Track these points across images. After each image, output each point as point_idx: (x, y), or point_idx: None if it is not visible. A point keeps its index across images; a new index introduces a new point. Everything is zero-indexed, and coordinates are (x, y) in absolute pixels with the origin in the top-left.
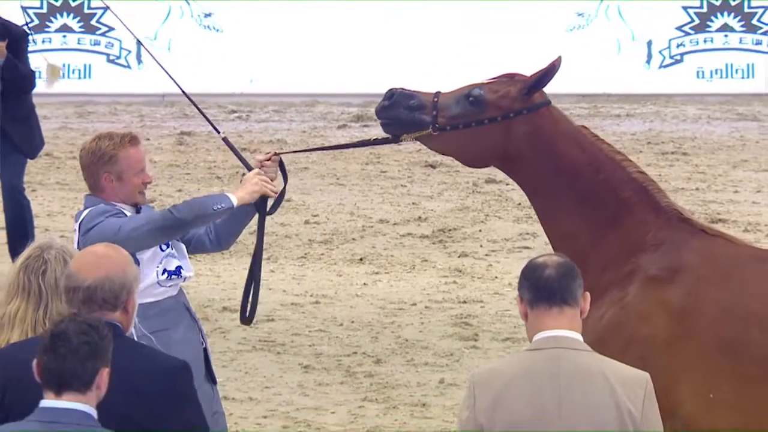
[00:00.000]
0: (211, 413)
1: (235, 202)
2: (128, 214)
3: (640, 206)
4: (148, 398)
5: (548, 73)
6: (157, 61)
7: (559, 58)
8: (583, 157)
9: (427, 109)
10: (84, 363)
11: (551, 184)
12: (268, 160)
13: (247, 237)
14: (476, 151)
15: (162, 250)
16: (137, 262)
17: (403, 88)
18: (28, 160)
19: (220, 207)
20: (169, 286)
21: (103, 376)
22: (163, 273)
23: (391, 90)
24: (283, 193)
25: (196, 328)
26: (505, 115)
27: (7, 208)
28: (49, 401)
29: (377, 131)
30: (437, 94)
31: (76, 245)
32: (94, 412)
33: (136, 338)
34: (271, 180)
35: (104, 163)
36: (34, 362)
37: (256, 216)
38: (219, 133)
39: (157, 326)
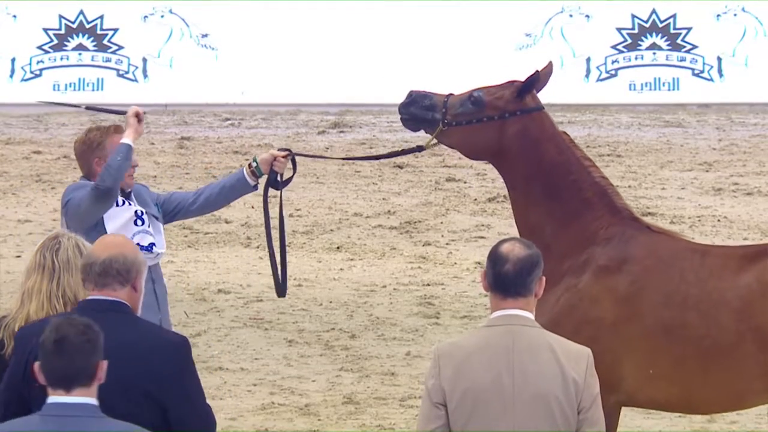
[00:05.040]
0: None
1: (128, 142)
2: (123, 199)
3: (598, 206)
4: (155, 369)
5: (534, 78)
6: None
7: (550, 64)
8: (559, 159)
9: (438, 108)
10: (88, 359)
11: (528, 179)
12: (284, 157)
13: (239, 228)
14: (475, 146)
15: (136, 225)
16: (105, 230)
17: (420, 90)
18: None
19: (122, 155)
20: None
21: (102, 367)
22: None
23: (411, 91)
24: (290, 179)
25: (155, 298)
26: (501, 115)
27: None
28: (57, 397)
29: (353, 137)
30: (449, 95)
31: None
32: (97, 403)
33: None
34: (280, 171)
35: (94, 150)
36: (35, 365)
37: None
38: (80, 107)
39: None
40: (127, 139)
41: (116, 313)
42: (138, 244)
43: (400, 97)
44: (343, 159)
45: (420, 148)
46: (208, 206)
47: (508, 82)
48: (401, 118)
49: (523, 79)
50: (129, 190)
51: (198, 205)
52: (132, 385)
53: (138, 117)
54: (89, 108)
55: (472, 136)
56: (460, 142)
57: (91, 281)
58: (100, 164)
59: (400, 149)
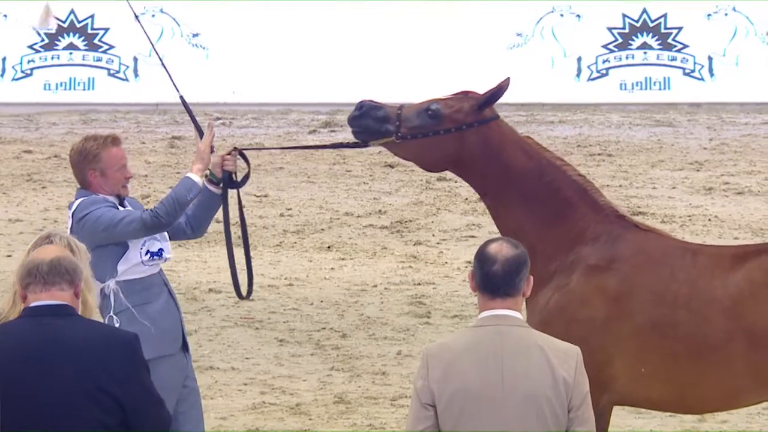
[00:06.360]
0: (182, 384)
1: (199, 182)
2: (120, 207)
3: (580, 204)
4: (111, 366)
5: (497, 92)
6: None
7: (508, 79)
8: (529, 163)
9: (391, 120)
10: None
11: (500, 186)
12: (228, 154)
13: (236, 229)
14: (432, 158)
15: None
16: (126, 244)
17: (371, 101)
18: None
19: (193, 195)
20: (151, 265)
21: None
22: (146, 254)
23: (361, 102)
24: (247, 175)
25: (174, 302)
26: (458, 127)
27: None
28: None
29: (344, 136)
30: (401, 106)
31: (69, 232)
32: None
33: (114, 311)
34: (232, 171)
35: (89, 161)
36: None
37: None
38: (185, 102)
39: (141, 300)
40: (196, 176)
41: (66, 316)
42: (148, 251)
43: (395, 97)
44: (287, 148)
45: (365, 144)
46: (197, 228)
47: (462, 92)
48: (353, 131)
49: (488, 88)
50: (124, 199)
51: (191, 228)
52: (94, 386)
53: (212, 149)
54: (183, 101)
55: (430, 148)
56: (416, 154)
57: (38, 282)
58: (95, 175)
59: (345, 141)
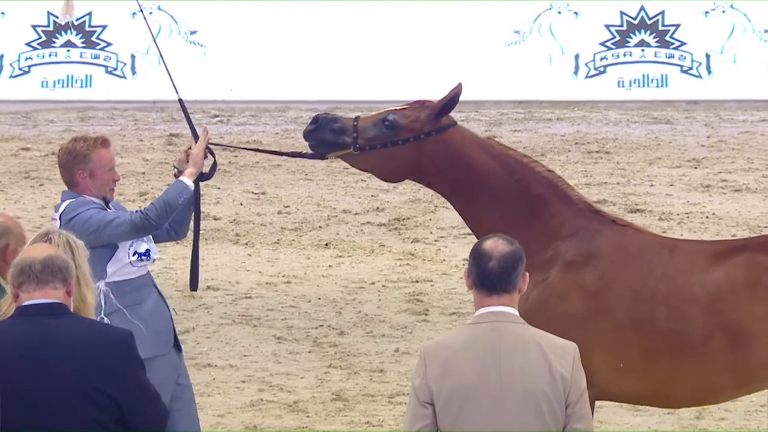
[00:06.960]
0: (175, 381)
1: (191, 186)
2: (108, 208)
3: (553, 200)
4: (106, 364)
5: (452, 99)
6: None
7: (460, 85)
8: (494, 164)
9: (348, 131)
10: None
11: (468, 189)
12: (190, 149)
13: (227, 225)
14: (391, 168)
15: None
16: (115, 245)
17: (326, 114)
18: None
19: (184, 199)
20: (140, 267)
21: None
22: (134, 254)
23: (316, 116)
24: (215, 165)
25: (164, 303)
26: (416, 136)
27: None
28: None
29: None
30: (357, 118)
31: None
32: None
33: (105, 312)
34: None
35: (79, 162)
36: None
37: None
38: (180, 98)
39: (131, 301)
40: (189, 180)
41: (60, 314)
42: (135, 251)
43: (390, 94)
44: (251, 149)
45: (323, 157)
46: (179, 229)
47: (418, 102)
48: (309, 145)
49: (442, 96)
50: (109, 202)
51: (174, 231)
52: (89, 385)
53: (206, 154)
54: (182, 104)
55: (388, 159)
56: (375, 165)
57: (32, 281)
58: (83, 176)
59: (304, 152)
